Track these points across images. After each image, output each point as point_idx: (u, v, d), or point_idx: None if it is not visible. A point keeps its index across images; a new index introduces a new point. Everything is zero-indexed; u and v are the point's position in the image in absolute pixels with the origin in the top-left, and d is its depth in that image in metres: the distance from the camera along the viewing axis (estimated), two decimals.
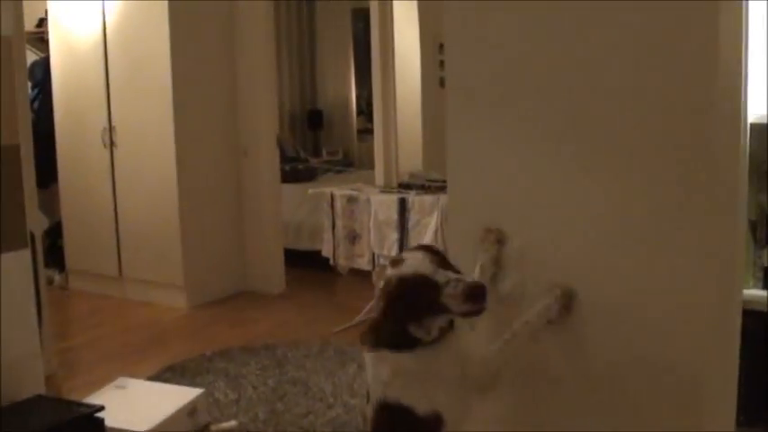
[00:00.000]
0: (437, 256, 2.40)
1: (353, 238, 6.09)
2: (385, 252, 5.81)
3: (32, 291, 4.15)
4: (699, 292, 2.36)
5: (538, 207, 2.63)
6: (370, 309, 5.89)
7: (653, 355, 2.46)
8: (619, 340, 2.51)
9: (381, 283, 2.44)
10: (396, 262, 2.43)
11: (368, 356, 2.49)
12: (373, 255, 5.92)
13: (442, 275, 2.32)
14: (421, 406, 2.39)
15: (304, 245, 7.50)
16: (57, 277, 7.26)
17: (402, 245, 5.72)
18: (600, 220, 2.52)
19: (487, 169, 2.73)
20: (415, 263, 2.36)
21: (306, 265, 7.34)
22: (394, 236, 5.76)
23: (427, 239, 5.57)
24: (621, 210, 2.48)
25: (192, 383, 4.83)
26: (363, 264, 6.05)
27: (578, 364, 2.60)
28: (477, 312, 2.31)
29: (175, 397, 4.38)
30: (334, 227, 6.17)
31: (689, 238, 2.36)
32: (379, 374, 2.44)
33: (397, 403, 2.40)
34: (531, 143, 2.63)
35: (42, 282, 5.07)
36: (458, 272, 2.38)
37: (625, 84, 2.43)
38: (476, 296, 2.28)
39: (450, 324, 2.40)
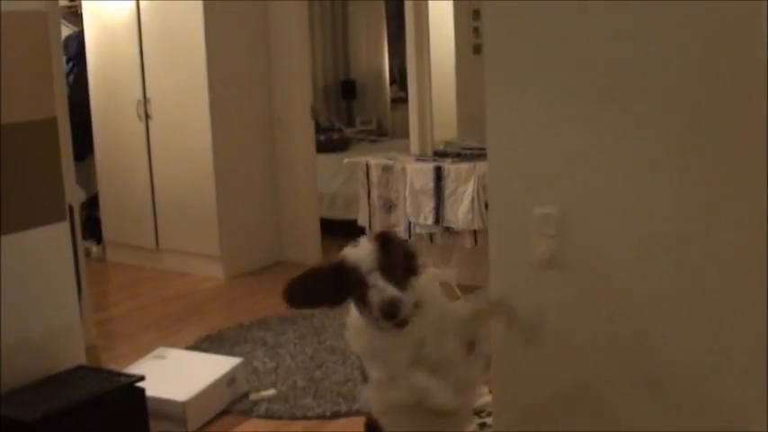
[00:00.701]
0: (389, 251, 2.46)
1: (389, 207, 6.08)
2: (421, 221, 5.79)
3: (72, 262, 4.17)
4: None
5: (581, 177, 2.59)
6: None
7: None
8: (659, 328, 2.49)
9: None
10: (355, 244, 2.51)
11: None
12: (409, 224, 5.91)
13: (374, 277, 2.39)
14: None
15: (339, 214, 7.49)
16: (94, 249, 7.32)
17: (438, 213, 5.70)
18: (648, 191, 2.47)
19: (529, 138, 2.69)
20: (361, 254, 2.44)
21: (342, 234, 7.33)
22: (430, 204, 5.74)
23: (464, 208, 5.55)
24: (670, 180, 2.43)
25: (231, 353, 4.86)
26: (400, 233, 6.03)
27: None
28: (395, 325, 2.42)
29: (214, 366, 4.42)
30: (369, 196, 6.16)
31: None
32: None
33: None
34: (574, 110, 2.57)
35: (81, 254, 5.10)
36: (413, 268, 2.51)
37: (671, 47, 2.38)
38: (386, 312, 2.37)
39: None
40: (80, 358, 4.08)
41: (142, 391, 3.81)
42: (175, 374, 4.34)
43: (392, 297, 2.36)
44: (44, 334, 3.91)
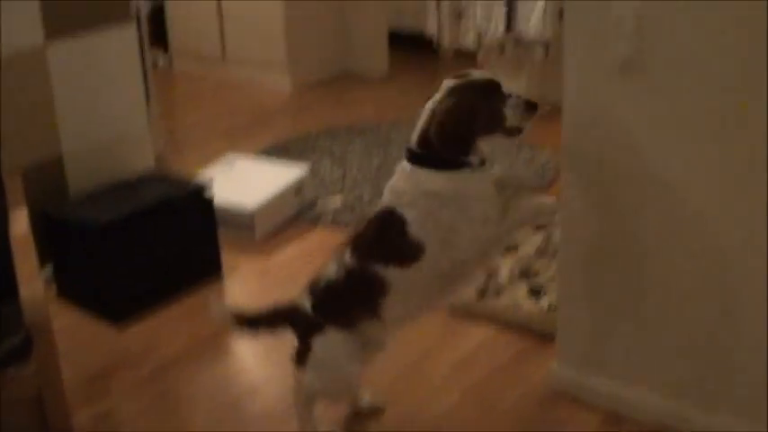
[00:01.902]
0: None
1: (458, 14, 5.91)
2: (492, 29, 5.63)
3: (139, 67, 4.15)
4: None
5: None
6: None
7: None
8: None
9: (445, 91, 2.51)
10: (462, 75, 2.52)
11: (403, 168, 2.56)
12: (479, 34, 5.75)
13: (506, 89, 2.49)
14: (414, 230, 2.48)
15: (408, 24, 7.30)
16: (161, 59, 7.28)
17: (510, 21, 5.53)
18: None
19: None
20: (487, 74, 2.54)
21: (409, 48, 7.18)
22: (502, 11, 5.55)
23: (537, 15, 5.38)
24: None
25: (298, 162, 4.84)
26: (469, 42, 5.88)
27: None
28: (521, 131, 2.48)
29: (282, 174, 4.42)
30: (438, 4, 5.99)
31: None
32: (400, 187, 2.54)
33: (399, 214, 2.50)
34: None
35: (148, 62, 5.06)
36: None
37: None
38: (532, 110, 2.45)
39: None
40: (149, 164, 4.10)
41: (211, 197, 3.83)
42: (243, 182, 4.35)
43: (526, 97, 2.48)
44: (113, 139, 3.92)
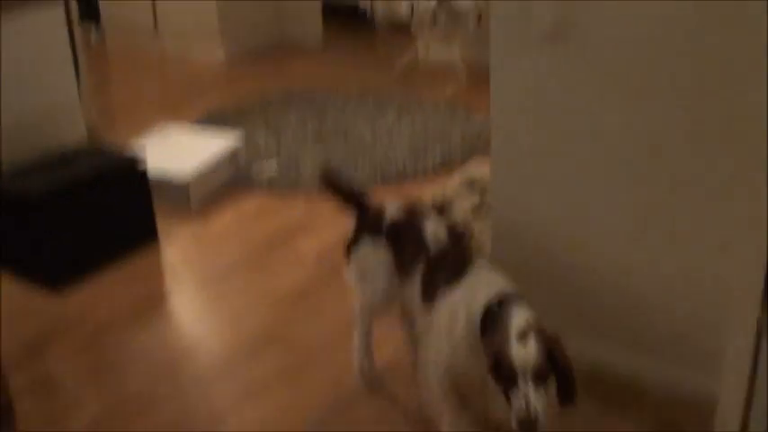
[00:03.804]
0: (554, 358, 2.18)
1: None
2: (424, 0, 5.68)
3: (68, 41, 4.14)
4: None
5: None
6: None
7: None
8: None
9: None
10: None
11: None
12: (412, 5, 5.80)
13: (525, 382, 2.13)
14: None
15: None
16: (93, 33, 7.20)
17: None
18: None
19: None
20: (524, 355, 2.14)
21: (343, 20, 7.19)
22: None
23: None
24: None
25: (233, 131, 4.85)
26: (402, 13, 5.92)
27: None
28: None
29: (216, 143, 4.44)
30: None
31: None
32: None
33: None
34: None
35: (77, 36, 5.02)
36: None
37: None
38: (523, 428, 2.12)
39: None
40: (81, 137, 4.10)
41: (144, 168, 3.83)
42: (178, 152, 4.35)
43: (536, 416, 2.09)
44: (44, 111, 3.92)
